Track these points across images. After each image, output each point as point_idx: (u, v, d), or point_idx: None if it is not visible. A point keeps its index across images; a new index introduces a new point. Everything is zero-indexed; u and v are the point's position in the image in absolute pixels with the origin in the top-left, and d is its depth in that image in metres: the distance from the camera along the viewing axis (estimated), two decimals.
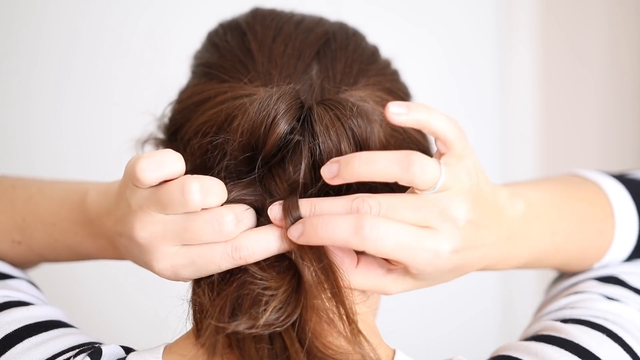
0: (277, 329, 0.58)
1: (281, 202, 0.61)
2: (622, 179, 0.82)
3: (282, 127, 0.62)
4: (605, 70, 1.82)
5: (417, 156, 0.58)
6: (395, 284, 0.63)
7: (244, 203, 0.62)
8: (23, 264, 0.81)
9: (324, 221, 0.59)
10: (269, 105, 0.62)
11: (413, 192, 0.61)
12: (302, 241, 0.60)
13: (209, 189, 0.58)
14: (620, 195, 0.79)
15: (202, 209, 0.59)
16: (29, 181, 0.80)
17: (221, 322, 0.58)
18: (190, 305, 0.62)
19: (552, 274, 0.85)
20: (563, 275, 0.82)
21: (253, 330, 0.57)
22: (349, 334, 0.59)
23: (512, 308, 1.83)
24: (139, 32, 1.53)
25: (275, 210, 0.61)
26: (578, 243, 0.76)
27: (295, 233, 0.60)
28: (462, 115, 1.78)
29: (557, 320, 0.71)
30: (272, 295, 0.58)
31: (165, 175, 0.58)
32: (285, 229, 0.61)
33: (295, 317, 0.58)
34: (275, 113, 0.62)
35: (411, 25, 1.72)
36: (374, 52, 0.74)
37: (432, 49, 1.77)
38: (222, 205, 0.60)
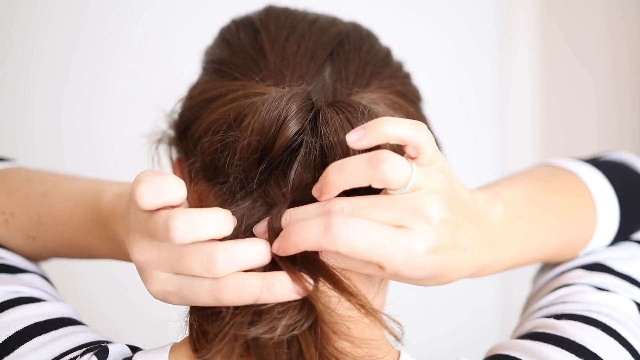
0: (295, 331, 0.57)
1: (266, 219, 0.61)
2: (596, 163, 0.81)
3: (292, 128, 0.61)
4: (605, 70, 1.83)
5: (386, 154, 0.57)
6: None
7: (250, 222, 0.62)
8: (37, 258, 0.81)
9: (295, 227, 0.58)
10: (280, 105, 0.61)
11: (386, 194, 0.60)
12: (281, 253, 0.58)
13: (198, 224, 0.56)
14: (598, 181, 0.78)
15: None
16: (45, 175, 0.79)
17: (241, 330, 0.57)
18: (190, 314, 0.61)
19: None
20: (547, 264, 0.82)
21: (271, 335, 0.57)
22: (368, 313, 0.59)
23: (512, 308, 1.83)
24: (140, 28, 1.53)
25: (259, 228, 0.61)
26: (563, 235, 0.75)
27: (275, 246, 0.59)
28: (462, 115, 1.79)
29: (550, 316, 0.70)
30: (286, 305, 0.58)
31: (164, 202, 0.56)
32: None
33: (311, 321, 0.58)
34: (286, 114, 0.61)
35: (411, 26, 1.72)
36: (387, 54, 0.74)
37: (432, 49, 1.77)
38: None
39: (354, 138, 0.57)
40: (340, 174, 0.58)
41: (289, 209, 0.60)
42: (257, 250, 0.58)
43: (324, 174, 0.59)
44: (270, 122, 0.61)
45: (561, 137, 1.90)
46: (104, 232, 0.70)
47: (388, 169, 0.57)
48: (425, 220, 0.59)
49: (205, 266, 0.57)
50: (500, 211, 0.68)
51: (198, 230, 0.56)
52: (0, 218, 0.78)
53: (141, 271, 0.60)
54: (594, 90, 1.85)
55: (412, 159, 0.59)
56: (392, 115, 0.66)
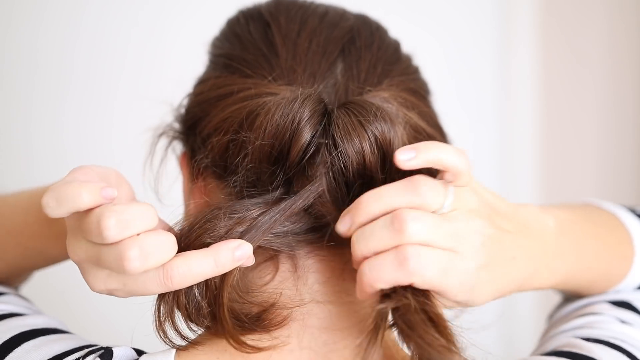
0: None
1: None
2: (634, 211, 0.83)
3: (306, 133, 0.61)
4: (605, 71, 1.82)
5: (423, 179, 0.59)
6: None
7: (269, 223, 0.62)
8: (9, 280, 0.80)
9: (369, 267, 0.58)
10: (293, 109, 0.61)
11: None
12: (360, 292, 0.59)
13: (129, 222, 0.55)
14: (636, 224, 0.80)
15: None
16: None
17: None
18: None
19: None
20: (568, 299, 0.83)
21: None
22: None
23: (512, 308, 1.82)
24: (145, 21, 1.52)
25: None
26: (603, 264, 0.77)
27: (358, 288, 0.59)
28: (462, 115, 1.79)
29: (577, 337, 0.71)
30: None
31: (68, 211, 0.56)
32: None
33: None
34: (300, 118, 0.61)
35: (411, 26, 1.72)
36: (396, 48, 0.74)
37: (432, 50, 1.76)
38: None
39: (404, 157, 0.58)
40: (378, 202, 0.59)
41: (359, 232, 0.60)
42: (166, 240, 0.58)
43: (354, 209, 0.59)
44: (284, 126, 0.61)
45: (561, 137, 1.90)
46: (55, 229, 0.69)
47: (425, 190, 0.58)
48: (471, 239, 0.60)
49: (121, 266, 0.56)
50: (551, 224, 0.69)
51: (130, 228, 0.55)
52: None
53: (81, 270, 0.60)
54: (594, 90, 1.84)
55: (449, 182, 0.60)
56: (404, 115, 0.66)
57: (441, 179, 0.60)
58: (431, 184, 0.59)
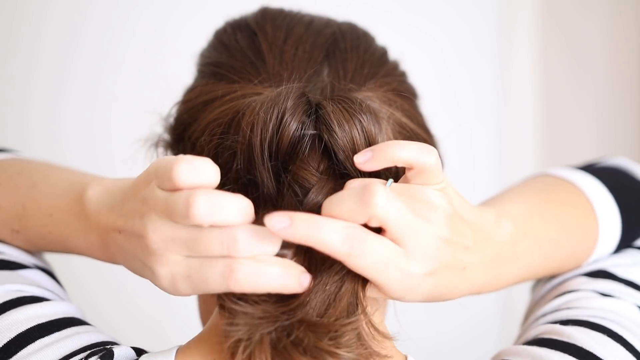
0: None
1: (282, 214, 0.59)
2: (595, 171, 0.81)
3: (293, 125, 0.61)
4: (605, 73, 1.83)
5: (375, 186, 0.57)
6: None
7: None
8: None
9: (322, 226, 0.57)
10: (277, 104, 0.61)
11: None
12: (297, 236, 0.57)
13: (220, 206, 0.55)
14: (597, 190, 0.78)
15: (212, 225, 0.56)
16: (36, 166, 0.78)
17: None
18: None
19: None
20: None
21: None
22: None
23: (512, 308, 1.83)
24: (139, 30, 1.52)
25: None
26: (566, 248, 0.75)
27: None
28: (462, 118, 1.79)
29: (555, 322, 0.70)
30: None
31: (200, 183, 0.56)
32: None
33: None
34: (284, 111, 0.61)
35: (411, 28, 1.72)
36: (383, 53, 0.74)
37: (432, 52, 1.77)
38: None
39: (362, 160, 0.58)
40: (331, 210, 0.57)
41: (330, 197, 0.59)
42: (271, 237, 0.57)
43: (322, 208, 0.58)
44: (269, 121, 0.61)
45: (561, 139, 1.90)
46: (86, 224, 0.68)
47: (379, 203, 0.57)
48: (423, 240, 0.59)
49: (225, 246, 0.56)
50: (508, 230, 0.68)
51: (219, 213, 0.55)
52: None
53: (151, 252, 0.58)
54: (594, 92, 1.85)
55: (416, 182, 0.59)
56: (388, 111, 0.66)
57: (406, 178, 0.60)
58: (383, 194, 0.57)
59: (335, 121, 0.61)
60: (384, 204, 0.57)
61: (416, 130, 0.69)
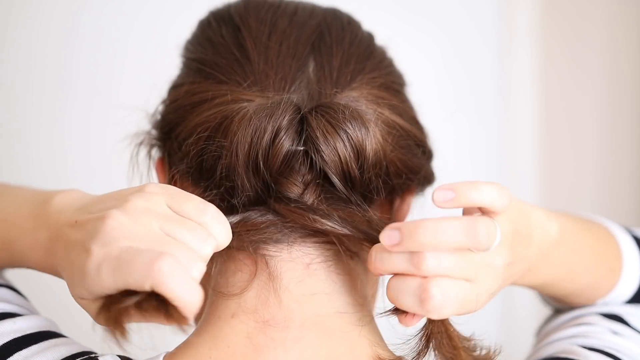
0: None
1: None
2: (627, 229, 0.85)
3: (287, 143, 0.62)
4: (605, 75, 1.82)
5: (482, 224, 0.58)
6: None
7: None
8: None
9: (395, 289, 0.59)
10: (272, 121, 0.62)
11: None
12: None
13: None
14: (628, 241, 0.82)
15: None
16: (2, 185, 0.76)
17: None
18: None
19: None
20: (559, 311, 0.84)
21: None
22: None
23: (512, 308, 1.82)
24: (136, 30, 1.53)
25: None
26: (592, 275, 0.78)
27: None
28: (462, 120, 1.78)
29: (575, 345, 0.72)
30: None
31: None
32: None
33: None
34: (279, 127, 0.62)
35: (412, 30, 1.72)
36: (369, 42, 0.73)
37: (432, 54, 1.76)
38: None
39: (441, 199, 0.57)
40: (434, 237, 0.58)
41: (377, 249, 0.60)
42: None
43: (409, 230, 0.58)
44: (262, 134, 0.62)
45: (560, 141, 1.90)
46: (38, 222, 0.65)
47: (484, 239, 0.58)
48: (492, 272, 0.61)
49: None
50: (554, 231, 0.69)
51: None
52: None
53: (101, 232, 0.56)
54: (593, 94, 1.85)
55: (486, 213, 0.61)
56: (375, 111, 0.66)
57: (480, 213, 0.61)
58: (488, 227, 0.58)
59: (320, 137, 0.62)
60: (433, 266, 0.58)
61: (407, 127, 0.69)
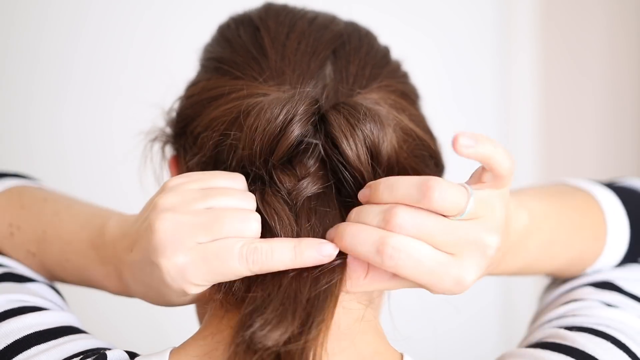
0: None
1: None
2: (612, 186, 0.83)
3: (297, 131, 0.62)
4: (605, 76, 1.83)
5: (435, 182, 0.58)
6: (399, 284, 0.63)
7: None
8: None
9: (351, 233, 0.60)
10: (286, 107, 0.62)
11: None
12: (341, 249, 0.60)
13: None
14: (611, 202, 0.80)
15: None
16: (60, 196, 0.79)
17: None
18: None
19: (545, 278, 0.86)
20: (555, 281, 0.83)
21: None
22: None
23: (512, 308, 1.83)
24: (141, 28, 1.52)
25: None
26: (573, 251, 0.77)
27: (329, 235, 0.62)
28: (462, 120, 1.78)
29: (561, 327, 0.71)
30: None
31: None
32: None
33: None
34: (292, 116, 0.62)
35: (412, 30, 1.72)
36: (385, 54, 0.74)
37: (432, 54, 1.77)
38: None
39: (464, 143, 0.57)
40: (390, 192, 0.59)
41: (358, 208, 0.61)
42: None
43: (375, 185, 0.60)
44: (275, 124, 0.62)
45: (560, 142, 1.90)
46: (103, 254, 0.69)
47: (436, 197, 0.57)
48: (481, 252, 0.60)
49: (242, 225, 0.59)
50: (523, 220, 0.69)
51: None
52: (6, 230, 0.77)
53: (159, 243, 0.59)
54: (593, 95, 1.85)
55: (482, 182, 0.60)
56: (396, 117, 0.67)
57: (478, 179, 0.60)
58: (444, 191, 0.58)
59: (338, 133, 0.62)
60: (439, 200, 0.58)
61: (423, 137, 0.70)
